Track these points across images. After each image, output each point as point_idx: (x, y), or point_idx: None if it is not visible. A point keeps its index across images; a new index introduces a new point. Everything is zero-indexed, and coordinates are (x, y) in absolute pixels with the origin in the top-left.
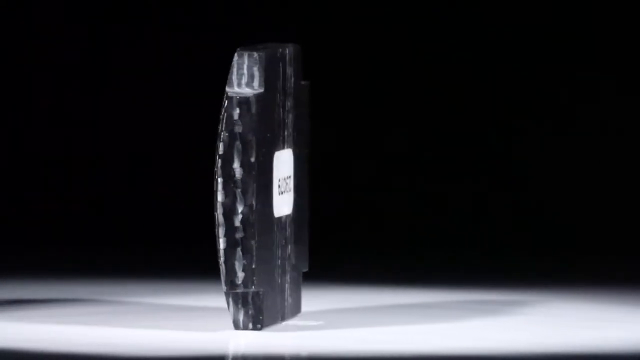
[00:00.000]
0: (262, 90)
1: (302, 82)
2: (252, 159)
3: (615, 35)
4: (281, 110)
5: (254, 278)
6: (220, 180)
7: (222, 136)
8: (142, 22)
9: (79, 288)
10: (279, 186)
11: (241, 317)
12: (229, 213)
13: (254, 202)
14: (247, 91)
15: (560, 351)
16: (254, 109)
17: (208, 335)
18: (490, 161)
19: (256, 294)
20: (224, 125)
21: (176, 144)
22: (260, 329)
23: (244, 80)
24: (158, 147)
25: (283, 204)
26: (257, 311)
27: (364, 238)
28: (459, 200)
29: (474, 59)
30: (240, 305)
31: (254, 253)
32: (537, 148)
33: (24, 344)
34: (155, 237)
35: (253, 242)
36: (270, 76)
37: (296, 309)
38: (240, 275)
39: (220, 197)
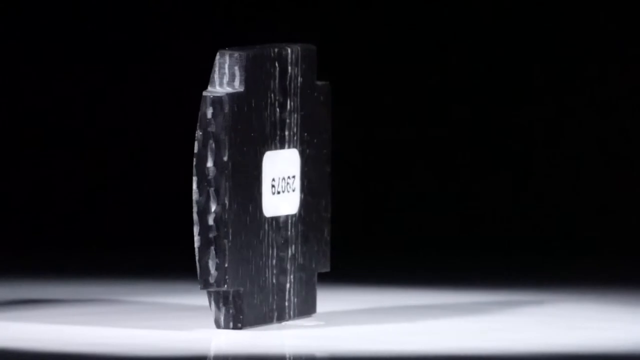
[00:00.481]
0: (242, 89)
1: (319, 83)
2: (225, 158)
3: (617, 32)
4: (277, 109)
5: (226, 277)
6: (195, 179)
7: (197, 135)
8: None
9: (63, 289)
10: (272, 186)
11: (222, 316)
12: (203, 212)
13: (226, 201)
14: (222, 90)
15: (563, 351)
16: (227, 108)
17: (187, 334)
18: (492, 161)
19: (237, 293)
20: (198, 125)
21: (178, 143)
22: (240, 328)
23: (226, 79)
24: (156, 146)
25: (281, 204)
26: (238, 310)
27: (371, 238)
28: (462, 201)
29: (476, 55)
30: (221, 305)
31: (227, 252)
32: (538, 147)
33: (22, 344)
34: (148, 237)
35: (226, 241)
36: (258, 76)
37: (307, 309)
38: (214, 273)
39: (195, 196)
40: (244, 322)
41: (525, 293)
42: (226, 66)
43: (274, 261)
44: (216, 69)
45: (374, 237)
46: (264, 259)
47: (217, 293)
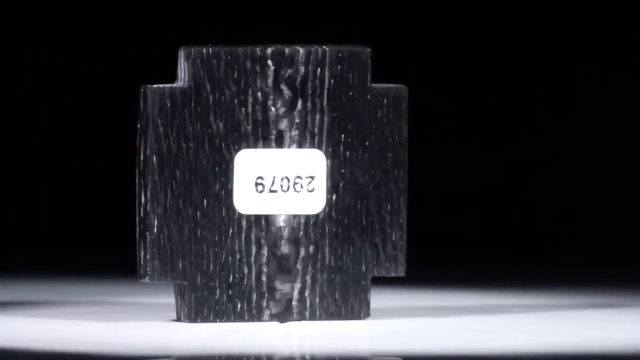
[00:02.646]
0: (186, 84)
1: (378, 85)
2: (148, 152)
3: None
4: (272, 108)
5: (148, 269)
6: (137, 171)
7: (137, 129)
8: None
9: (59, 289)
10: (259, 184)
11: (179, 309)
12: (139, 205)
13: (148, 194)
14: (176, 85)
15: (563, 351)
16: (149, 102)
17: (152, 326)
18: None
19: (184, 287)
20: (138, 118)
21: None
22: (185, 322)
23: (182, 74)
24: None
25: (277, 203)
26: (185, 304)
27: None
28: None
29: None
30: (179, 298)
31: (148, 244)
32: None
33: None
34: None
35: (148, 234)
36: (223, 73)
37: (346, 311)
38: (142, 265)
39: (137, 188)
40: (189, 317)
41: (525, 293)
42: (182, 62)
43: (264, 259)
44: (178, 64)
45: None
46: (238, 256)
47: (178, 286)
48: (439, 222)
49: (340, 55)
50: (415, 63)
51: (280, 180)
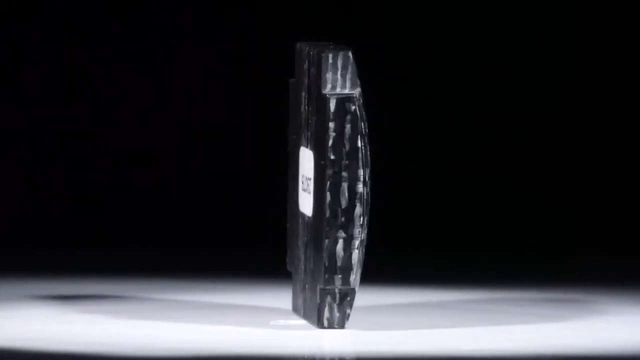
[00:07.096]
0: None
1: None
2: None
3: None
4: (306, 107)
5: (287, 257)
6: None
7: None
8: None
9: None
10: (302, 182)
11: None
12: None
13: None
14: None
15: (563, 351)
16: (290, 95)
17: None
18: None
19: None
20: None
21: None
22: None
23: None
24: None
25: (305, 201)
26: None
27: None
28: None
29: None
30: None
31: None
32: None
33: (28, 343)
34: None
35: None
36: (297, 70)
37: (313, 317)
38: None
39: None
40: (292, 310)
41: (525, 293)
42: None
43: (302, 257)
44: None
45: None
46: (297, 250)
47: None
48: (437, 222)
49: (317, 58)
50: (410, 65)
51: (305, 180)
